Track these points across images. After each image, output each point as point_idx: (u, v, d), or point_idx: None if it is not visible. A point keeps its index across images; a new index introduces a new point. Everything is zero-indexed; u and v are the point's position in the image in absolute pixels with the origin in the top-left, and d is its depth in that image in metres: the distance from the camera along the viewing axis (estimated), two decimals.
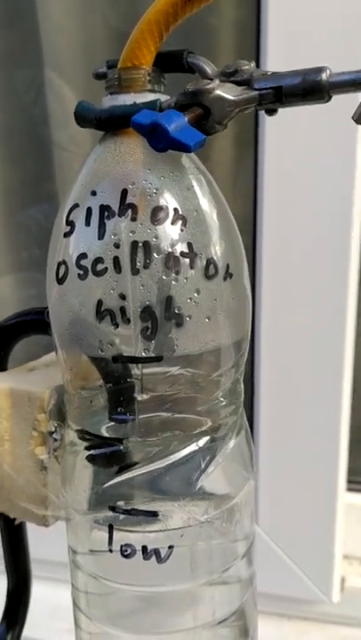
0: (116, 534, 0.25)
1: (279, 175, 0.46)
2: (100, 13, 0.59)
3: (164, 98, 0.24)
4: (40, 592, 0.38)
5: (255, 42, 0.45)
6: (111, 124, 0.24)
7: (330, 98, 0.21)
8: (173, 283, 0.23)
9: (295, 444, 0.51)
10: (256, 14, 0.45)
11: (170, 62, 0.24)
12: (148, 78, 0.24)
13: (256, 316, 0.49)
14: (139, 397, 0.25)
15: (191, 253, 0.23)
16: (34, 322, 0.29)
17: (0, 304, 0.65)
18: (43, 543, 0.35)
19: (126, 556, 0.25)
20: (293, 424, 0.51)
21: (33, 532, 0.34)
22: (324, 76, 0.20)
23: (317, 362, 0.49)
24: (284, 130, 0.45)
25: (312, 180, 0.46)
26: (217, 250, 0.24)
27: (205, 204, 0.24)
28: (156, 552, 0.25)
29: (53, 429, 0.27)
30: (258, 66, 0.44)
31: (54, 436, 0.27)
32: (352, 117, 0.19)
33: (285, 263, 0.48)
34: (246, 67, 0.22)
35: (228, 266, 0.24)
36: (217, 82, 0.22)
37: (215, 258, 0.24)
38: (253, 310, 0.49)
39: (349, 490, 0.53)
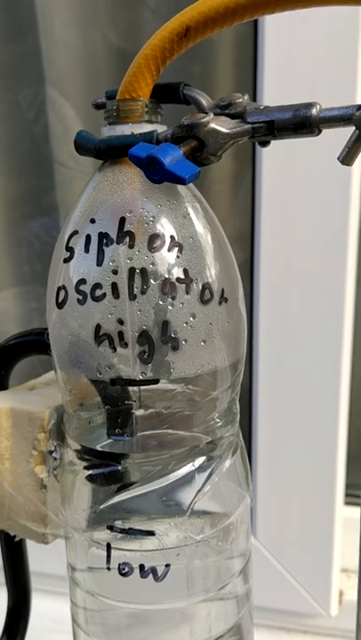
0: (113, 552, 0.26)
1: (277, 192, 0.47)
2: (101, 32, 0.60)
3: (161, 128, 0.25)
4: (40, 605, 0.39)
5: (252, 78, 0.46)
6: (110, 153, 0.25)
7: (320, 132, 0.21)
8: (170, 308, 0.24)
9: (293, 458, 0.52)
10: (253, 54, 0.46)
11: (167, 94, 0.25)
12: (145, 110, 0.25)
13: (254, 333, 0.50)
14: (137, 413, 0.25)
15: (187, 279, 0.24)
16: (35, 342, 0.30)
17: (1, 318, 0.66)
18: (43, 556, 0.36)
19: (124, 575, 0.26)
20: (291, 438, 0.52)
21: (33, 546, 0.34)
22: (313, 112, 0.21)
23: (315, 378, 0.50)
24: (281, 147, 0.45)
25: (309, 197, 0.46)
26: (212, 275, 0.25)
27: (201, 231, 0.25)
28: (153, 570, 0.26)
29: (53, 448, 0.28)
30: (254, 97, 0.45)
31: (54, 455, 0.28)
32: (338, 158, 0.20)
33: (283, 280, 0.49)
34: (240, 100, 0.23)
35: (223, 290, 0.25)
36: (211, 115, 0.23)
37: (210, 283, 0.25)
38: (251, 327, 0.50)
39: (347, 504, 0.54)
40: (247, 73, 0.49)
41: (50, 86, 0.59)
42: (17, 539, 0.31)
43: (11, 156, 0.63)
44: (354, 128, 0.20)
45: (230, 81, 0.54)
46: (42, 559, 0.37)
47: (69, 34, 0.58)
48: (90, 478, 0.26)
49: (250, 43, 0.48)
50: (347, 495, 0.53)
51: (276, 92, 0.44)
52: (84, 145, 0.25)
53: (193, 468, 0.26)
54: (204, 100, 0.24)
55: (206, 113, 0.23)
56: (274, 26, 0.44)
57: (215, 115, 0.23)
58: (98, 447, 0.26)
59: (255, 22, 0.45)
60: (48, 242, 0.64)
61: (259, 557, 0.53)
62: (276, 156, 0.47)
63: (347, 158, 0.20)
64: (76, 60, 0.59)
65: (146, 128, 0.25)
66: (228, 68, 0.54)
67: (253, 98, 0.47)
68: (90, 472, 0.26)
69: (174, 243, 0.24)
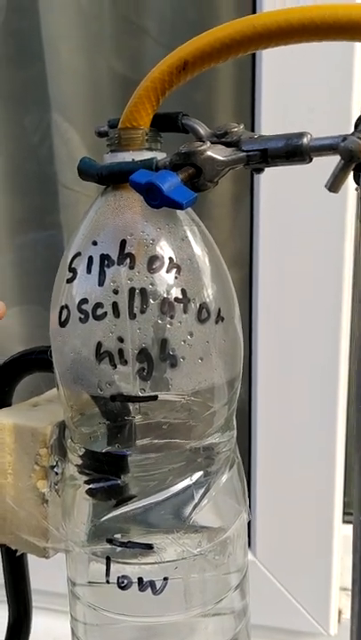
0: (113, 566, 0.27)
1: (274, 213, 0.48)
2: (105, 60, 0.62)
3: (160, 155, 0.26)
4: (39, 623, 0.39)
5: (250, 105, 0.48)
6: (111, 179, 0.26)
7: (311, 160, 0.22)
8: (168, 326, 0.25)
9: (292, 477, 0.52)
10: (251, 99, 0.48)
11: (166, 123, 0.26)
12: (145, 138, 0.26)
13: (252, 351, 0.51)
14: (136, 423, 0.26)
15: (185, 299, 0.25)
16: (37, 360, 0.31)
17: (6, 335, 0.67)
18: (41, 574, 0.36)
19: (123, 588, 0.26)
20: (290, 456, 0.52)
21: (31, 563, 0.35)
22: (305, 141, 0.22)
23: (314, 395, 0.50)
24: (278, 172, 0.47)
25: (306, 219, 0.48)
26: (209, 295, 0.26)
27: (198, 253, 0.26)
28: (152, 584, 0.26)
29: (55, 463, 0.29)
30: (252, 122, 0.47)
31: (55, 470, 0.29)
32: (325, 186, 0.21)
33: (280, 298, 0.50)
34: (235, 129, 0.24)
35: (219, 310, 0.26)
36: (208, 143, 0.24)
37: (207, 302, 0.26)
38: (250, 345, 0.51)
39: (346, 522, 0.54)
40: (246, 99, 0.51)
41: (55, 112, 0.61)
42: (18, 553, 0.31)
43: (16, 178, 0.65)
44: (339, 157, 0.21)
45: (230, 107, 0.56)
46: (40, 576, 0.37)
47: (74, 61, 0.60)
48: (90, 492, 0.27)
49: (249, 71, 0.49)
50: (345, 514, 0.54)
51: (273, 118, 0.46)
52: (87, 171, 0.26)
53: (190, 483, 0.27)
54: (202, 129, 0.25)
55: (203, 141, 0.24)
56: (272, 54, 0.45)
57: (212, 143, 0.24)
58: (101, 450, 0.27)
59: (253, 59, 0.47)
60: (52, 261, 0.65)
61: (258, 575, 0.53)
62: (274, 181, 0.48)
63: (333, 186, 0.21)
64: (80, 86, 0.61)
65: (146, 155, 0.26)
66: (228, 94, 0.56)
67: (252, 123, 0.48)
68: (90, 486, 0.27)
69: (173, 264, 0.25)
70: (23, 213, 0.67)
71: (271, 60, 0.45)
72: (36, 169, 0.65)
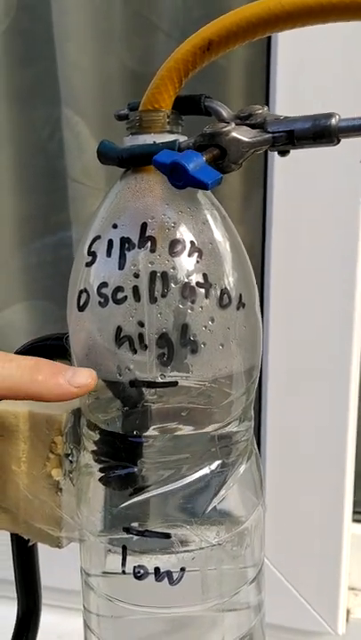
0: (129, 556, 0.26)
1: (286, 207, 0.48)
2: (115, 54, 0.61)
3: (181, 138, 0.26)
4: (44, 619, 0.38)
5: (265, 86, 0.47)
6: (132, 161, 0.25)
7: (339, 141, 0.22)
8: (189, 311, 0.24)
9: (302, 475, 0.52)
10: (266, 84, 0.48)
11: (188, 105, 0.26)
12: (167, 120, 0.25)
13: (263, 348, 0.50)
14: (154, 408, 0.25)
15: (206, 284, 0.25)
16: (53, 347, 0.30)
17: (12, 331, 0.66)
18: (47, 570, 0.36)
19: (139, 578, 0.26)
20: (300, 455, 0.52)
21: (42, 560, 0.34)
22: (333, 121, 0.22)
23: (324, 391, 0.50)
24: (292, 165, 0.46)
25: (318, 213, 0.47)
26: (230, 280, 0.25)
27: (220, 237, 0.26)
28: (169, 574, 0.26)
29: (69, 452, 0.28)
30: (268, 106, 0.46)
31: (70, 458, 0.28)
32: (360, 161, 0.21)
33: (292, 292, 0.49)
34: (260, 111, 0.24)
35: (240, 296, 0.26)
36: (233, 125, 0.23)
37: (229, 288, 0.25)
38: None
39: (355, 521, 0.53)
40: (259, 95, 0.51)
41: (65, 106, 0.61)
42: (31, 543, 0.31)
43: (25, 173, 0.65)
44: None
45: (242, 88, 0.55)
46: (45, 572, 0.37)
47: (85, 55, 0.60)
48: (105, 480, 0.27)
49: (262, 64, 0.49)
50: (355, 512, 0.53)
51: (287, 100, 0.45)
52: (107, 154, 0.26)
53: (208, 472, 0.26)
54: (225, 112, 0.25)
55: (228, 122, 0.24)
56: (286, 44, 0.45)
57: (236, 125, 0.24)
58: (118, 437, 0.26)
59: (268, 42, 0.46)
60: (59, 257, 0.65)
61: (266, 574, 0.52)
62: (286, 175, 0.48)
63: None
64: (91, 80, 0.60)
65: (167, 138, 0.25)
66: (240, 93, 0.56)
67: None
68: (106, 474, 0.26)
69: (194, 248, 0.25)
70: (31, 209, 0.67)
71: (287, 40, 0.45)
72: (45, 164, 0.65)
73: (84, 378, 0.24)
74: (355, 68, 0.44)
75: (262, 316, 0.50)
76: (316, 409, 0.51)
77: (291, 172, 0.47)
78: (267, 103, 0.47)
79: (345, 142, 0.22)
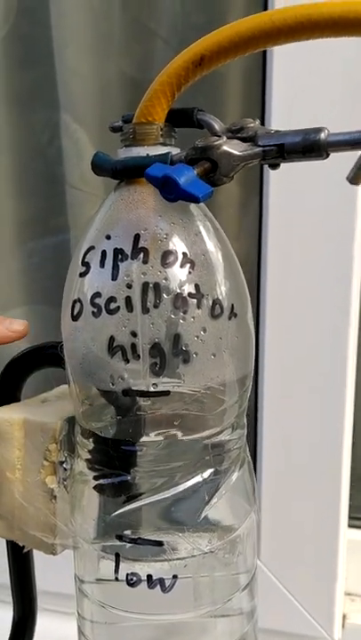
0: (122, 563, 0.26)
1: (283, 215, 0.48)
2: (114, 61, 0.62)
3: (174, 151, 0.26)
4: (41, 624, 0.39)
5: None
6: (126, 173, 0.26)
7: (328, 155, 0.22)
8: (181, 321, 0.25)
9: (297, 480, 0.52)
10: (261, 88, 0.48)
11: (181, 118, 0.26)
12: (160, 133, 0.26)
13: (259, 354, 0.51)
14: (146, 416, 0.26)
15: (198, 294, 0.25)
16: (48, 355, 0.30)
17: None
18: (43, 574, 0.36)
19: (132, 585, 0.26)
20: (296, 460, 0.52)
21: (38, 564, 0.34)
22: (322, 136, 0.22)
23: (320, 397, 0.50)
24: (286, 174, 0.47)
25: (314, 221, 0.48)
26: (222, 291, 0.26)
27: (212, 248, 0.26)
28: (161, 581, 0.26)
29: (64, 459, 0.28)
30: (262, 121, 0.47)
31: (64, 465, 0.29)
32: (346, 178, 0.21)
33: (288, 300, 0.50)
34: (251, 124, 0.24)
35: (232, 306, 0.26)
36: (224, 138, 0.24)
37: (221, 298, 0.25)
38: (257, 348, 0.51)
39: (351, 526, 0.54)
40: (255, 106, 0.51)
41: (64, 112, 0.61)
42: (26, 549, 0.31)
43: (24, 178, 0.65)
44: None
45: (239, 100, 0.55)
46: (41, 577, 0.37)
47: (84, 62, 0.60)
48: (99, 488, 0.27)
49: (258, 75, 0.49)
50: (351, 518, 0.53)
51: (283, 113, 0.45)
52: (101, 165, 0.26)
53: (201, 480, 0.27)
54: (217, 125, 0.25)
55: (219, 136, 0.24)
56: (281, 57, 0.45)
57: (228, 138, 0.24)
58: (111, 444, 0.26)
59: (264, 54, 0.47)
60: (58, 261, 0.65)
61: (262, 579, 0.53)
62: (282, 183, 0.48)
63: (354, 179, 0.21)
64: (89, 86, 0.61)
65: (160, 150, 0.26)
66: (236, 102, 0.56)
67: (262, 119, 0.48)
68: (99, 482, 0.27)
69: (187, 259, 0.25)
70: (29, 213, 0.67)
71: (282, 54, 0.45)
72: (44, 169, 0.65)
73: (18, 325, 0.31)
74: (351, 73, 0.44)
75: (258, 326, 0.51)
76: (311, 414, 0.51)
77: (287, 183, 0.47)
78: (263, 109, 0.47)
79: (341, 153, 0.23)
